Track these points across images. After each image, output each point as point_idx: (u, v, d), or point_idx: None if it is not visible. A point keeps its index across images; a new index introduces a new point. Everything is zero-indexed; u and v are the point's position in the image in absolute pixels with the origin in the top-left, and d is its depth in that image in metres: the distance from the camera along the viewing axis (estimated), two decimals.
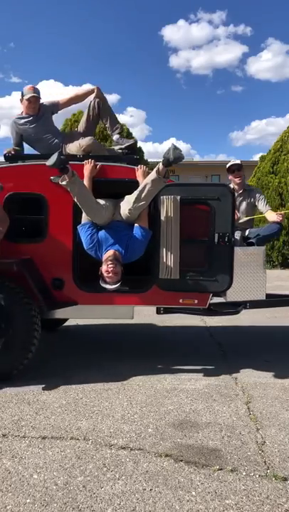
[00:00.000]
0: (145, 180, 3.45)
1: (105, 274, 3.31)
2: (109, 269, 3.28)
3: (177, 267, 3.54)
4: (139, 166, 3.71)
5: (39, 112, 4.07)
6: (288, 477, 2.17)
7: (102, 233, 3.49)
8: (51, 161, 3.28)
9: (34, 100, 4.00)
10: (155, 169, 3.41)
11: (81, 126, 4.21)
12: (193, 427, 2.73)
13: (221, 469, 2.24)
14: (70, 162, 3.49)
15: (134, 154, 4.00)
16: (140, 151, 14.73)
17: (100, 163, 3.69)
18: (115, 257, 3.35)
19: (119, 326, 5.64)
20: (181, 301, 3.73)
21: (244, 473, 2.20)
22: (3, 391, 3.35)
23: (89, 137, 4.05)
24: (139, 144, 26.25)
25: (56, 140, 4.07)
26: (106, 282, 3.34)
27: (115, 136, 4.15)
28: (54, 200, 3.66)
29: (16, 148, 4.12)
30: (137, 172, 3.68)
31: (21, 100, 4.06)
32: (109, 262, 3.30)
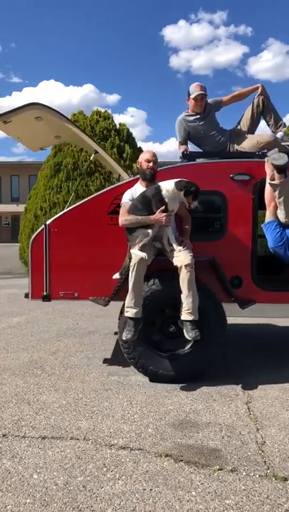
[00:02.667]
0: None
1: None
2: None
3: None
4: None
5: (205, 109, 4.09)
6: (288, 477, 2.16)
7: None
8: (281, 160, 3.30)
9: (201, 98, 4.02)
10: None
11: (245, 124, 4.19)
12: (193, 427, 2.73)
13: (221, 469, 2.24)
14: (247, 160, 3.56)
15: None
16: (140, 151, 14.72)
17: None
18: None
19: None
20: None
21: (244, 473, 2.20)
22: (3, 391, 3.35)
23: (268, 134, 4.06)
24: (140, 144, 26.27)
25: (223, 138, 4.09)
26: None
27: (279, 134, 4.13)
28: (233, 197, 3.66)
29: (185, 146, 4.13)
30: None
31: (188, 99, 4.09)
32: None
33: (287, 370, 3.79)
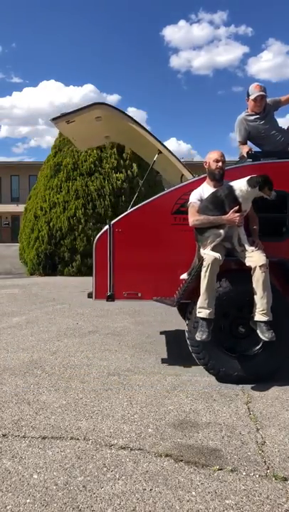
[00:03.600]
0: None
1: None
2: None
3: None
4: None
5: (264, 109, 4.09)
6: (288, 477, 2.16)
7: None
8: None
9: (261, 99, 4.02)
10: None
11: None
12: (193, 427, 2.73)
13: (221, 469, 2.24)
14: None
15: None
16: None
17: None
18: None
19: (120, 326, 5.64)
20: None
21: (244, 473, 2.20)
22: (3, 391, 3.35)
23: None
24: None
25: (283, 137, 4.09)
26: None
27: None
28: None
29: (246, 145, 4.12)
30: None
31: (247, 99, 4.09)
32: None
33: (288, 370, 3.79)
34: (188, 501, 1.97)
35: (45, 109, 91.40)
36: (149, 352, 4.40)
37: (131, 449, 2.44)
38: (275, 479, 2.14)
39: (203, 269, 3.31)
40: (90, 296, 3.95)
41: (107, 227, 3.81)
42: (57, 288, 9.65)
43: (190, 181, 3.91)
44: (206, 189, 3.63)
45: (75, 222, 12.41)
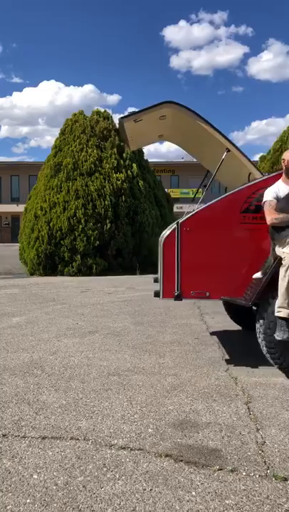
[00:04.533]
0: None
1: None
2: None
3: None
4: None
5: None
6: (288, 477, 2.16)
7: None
8: None
9: None
10: None
11: None
12: (193, 427, 2.73)
13: (221, 469, 2.24)
14: None
15: None
16: (140, 151, 14.73)
17: None
18: None
19: (120, 326, 5.64)
20: None
21: (244, 473, 2.20)
22: (3, 391, 3.35)
23: None
24: None
25: None
26: None
27: None
28: None
29: None
30: None
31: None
32: None
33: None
34: (188, 501, 1.97)
35: (45, 109, 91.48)
36: (149, 352, 4.40)
37: (131, 449, 2.44)
38: (275, 479, 2.14)
39: (283, 269, 3.28)
40: (156, 295, 3.93)
41: (174, 226, 3.80)
42: (57, 288, 9.65)
43: (259, 180, 3.87)
44: (281, 187, 3.60)
45: (75, 222, 12.41)
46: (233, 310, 5.24)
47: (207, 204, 3.85)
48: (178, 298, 3.80)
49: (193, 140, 5.08)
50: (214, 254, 3.78)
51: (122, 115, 4.24)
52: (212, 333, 5.17)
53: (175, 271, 3.78)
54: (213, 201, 3.84)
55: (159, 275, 3.85)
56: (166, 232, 3.87)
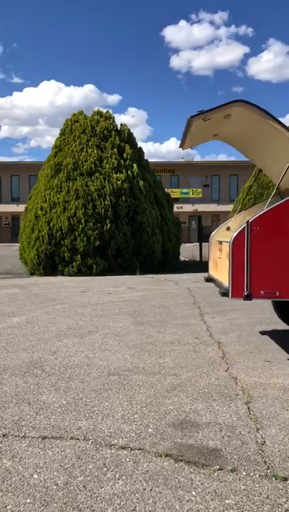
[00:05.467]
0: None
1: None
2: None
3: None
4: None
5: None
6: (288, 477, 2.17)
7: None
8: None
9: None
10: None
11: None
12: (193, 427, 2.73)
13: (221, 469, 2.24)
14: None
15: None
16: (140, 151, 14.73)
17: None
18: None
19: (120, 326, 5.64)
20: None
21: (244, 473, 2.20)
22: (3, 391, 3.35)
23: None
24: (140, 144, 26.22)
25: None
26: None
27: None
28: None
29: None
30: None
31: None
32: None
33: (288, 370, 3.79)
34: (188, 501, 1.97)
35: (45, 110, 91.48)
36: (149, 352, 4.40)
37: (131, 449, 2.44)
38: (275, 479, 2.15)
39: None
40: (224, 294, 3.90)
41: (244, 225, 3.79)
42: (57, 288, 9.65)
43: None
44: None
45: (75, 222, 12.41)
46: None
47: (278, 203, 3.83)
48: (247, 298, 3.77)
49: (253, 140, 5.05)
50: (285, 254, 3.74)
51: (192, 115, 4.16)
52: (212, 333, 5.17)
53: (244, 271, 3.75)
54: (283, 200, 3.82)
55: (228, 274, 3.82)
56: (234, 234, 3.86)
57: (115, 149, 13.45)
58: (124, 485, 2.10)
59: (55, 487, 2.09)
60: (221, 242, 4.68)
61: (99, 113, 14.50)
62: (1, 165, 42.28)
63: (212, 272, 5.06)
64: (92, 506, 1.94)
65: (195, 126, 4.34)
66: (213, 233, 4.33)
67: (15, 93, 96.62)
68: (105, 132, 13.79)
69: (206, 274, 4.97)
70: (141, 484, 2.11)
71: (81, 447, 2.47)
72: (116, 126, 14.20)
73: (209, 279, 4.73)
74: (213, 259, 5.14)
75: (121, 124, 14.41)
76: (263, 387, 3.38)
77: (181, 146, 5.10)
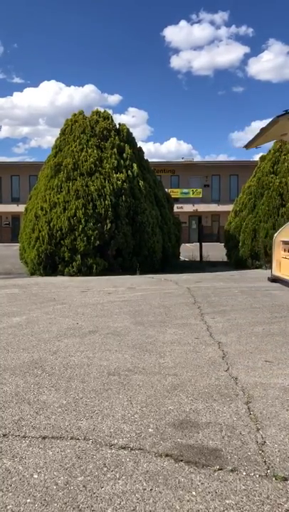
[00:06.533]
0: None
1: None
2: None
3: None
4: None
5: None
6: (288, 477, 2.17)
7: None
8: None
9: None
10: None
11: None
12: (193, 426, 2.73)
13: (221, 469, 2.24)
14: None
15: None
16: (140, 151, 14.72)
17: None
18: None
19: (120, 326, 5.64)
20: None
21: (244, 473, 2.20)
22: (3, 391, 3.35)
23: None
24: (140, 144, 26.16)
25: None
26: None
27: None
28: None
29: None
30: None
31: None
32: None
33: (288, 370, 3.79)
34: (188, 501, 1.97)
35: (45, 110, 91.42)
36: (149, 352, 4.40)
37: (131, 449, 2.44)
38: (275, 479, 2.15)
39: None
40: (273, 280, 4.02)
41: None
42: (57, 288, 9.65)
43: None
44: None
45: (75, 222, 12.41)
46: None
47: None
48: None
49: None
50: None
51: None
52: (212, 333, 5.17)
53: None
54: None
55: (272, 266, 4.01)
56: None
57: (115, 149, 13.44)
58: (124, 485, 2.10)
59: (55, 487, 2.09)
60: (286, 243, 4.72)
61: (98, 113, 14.50)
62: (1, 165, 42.27)
63: (276, 272, 5.10)
64: (92, 506, 1.94)
65: (280, 124, 4.38)
66: (276, 234, 4.40)
67: (15, 93, 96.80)
68: (105, 132, 13.78)
69: (269, 275, 5.01)
70: (141, 484, 2.11)
71: (81, 447, 2.47)
72: (115, 126, 14.19)
73: (275, 279, 4.78)
74: (277, 259, 5.17)
75: (119, 124, 14.39)
76: (263, 387, 3.38)
77: (249, 145, 5.12)
